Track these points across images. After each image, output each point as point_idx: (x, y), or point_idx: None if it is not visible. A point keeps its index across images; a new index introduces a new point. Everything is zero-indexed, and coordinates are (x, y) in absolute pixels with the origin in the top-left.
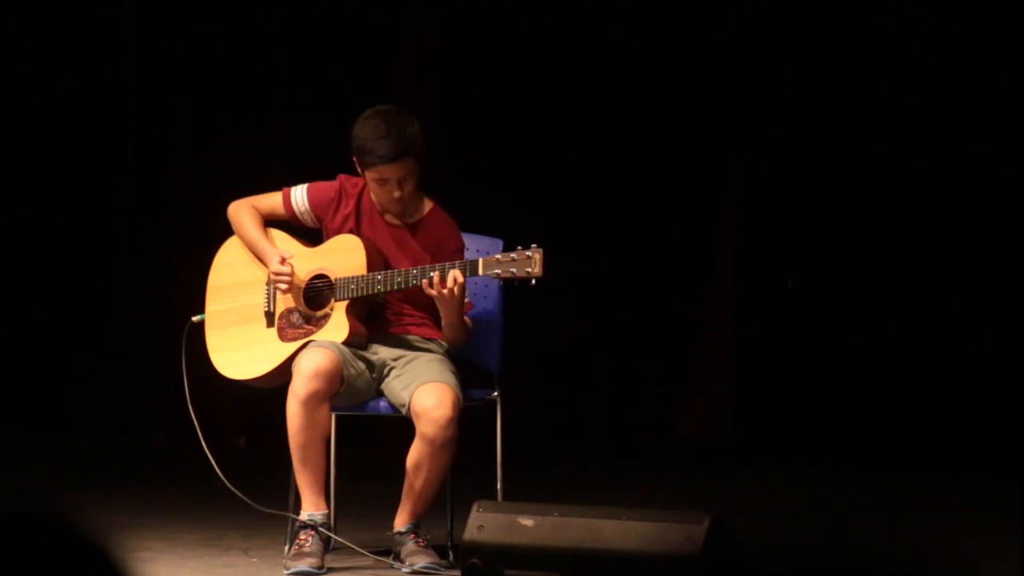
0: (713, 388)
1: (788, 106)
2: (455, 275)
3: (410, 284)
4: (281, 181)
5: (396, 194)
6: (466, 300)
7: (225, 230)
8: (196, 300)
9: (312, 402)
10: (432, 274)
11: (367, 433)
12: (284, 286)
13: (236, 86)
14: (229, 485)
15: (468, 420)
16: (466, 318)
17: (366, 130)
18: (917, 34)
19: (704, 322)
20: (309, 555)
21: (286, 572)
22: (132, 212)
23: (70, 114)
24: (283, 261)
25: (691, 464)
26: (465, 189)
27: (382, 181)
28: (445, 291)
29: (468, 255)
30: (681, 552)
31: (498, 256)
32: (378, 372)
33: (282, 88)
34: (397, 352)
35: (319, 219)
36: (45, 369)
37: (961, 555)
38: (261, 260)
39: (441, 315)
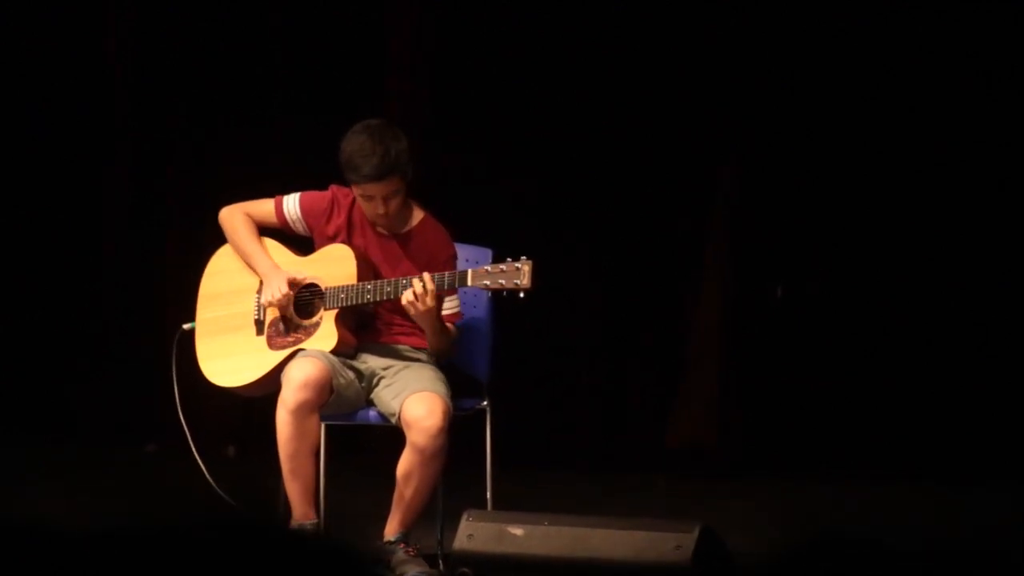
0: (703, 397)
1: (776, 119)
2: (424, 282)
3: (400, 294)
4: (279, 182)
5: (381, 210)
6: (457, 310)
7: (218, 237)
8: (189, 307)
9: (301, 412)
10: (406, 290)
11: (357, 442)
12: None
13: (235, 86)
14: (221, 493)
15: (458, 429)
16: (449, 325)
17: (353, 146)
18: (915, 35)
19: (694, 330)
20: None
21: None
22: (129, 214)
23: (68, 115)
24: (285, 294)
25: (681, 473)
26: (454, 197)
27: (367, 197)
28: (418, 304)
29: (457, 264)
30: (671, 561)
31: (487, 267)
32: (368, 381)
33: (281, 88)
34: (387, 361)
35: (311, 228)
36: (31, 375)
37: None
38: (255, 272)
39: (418, 324)
